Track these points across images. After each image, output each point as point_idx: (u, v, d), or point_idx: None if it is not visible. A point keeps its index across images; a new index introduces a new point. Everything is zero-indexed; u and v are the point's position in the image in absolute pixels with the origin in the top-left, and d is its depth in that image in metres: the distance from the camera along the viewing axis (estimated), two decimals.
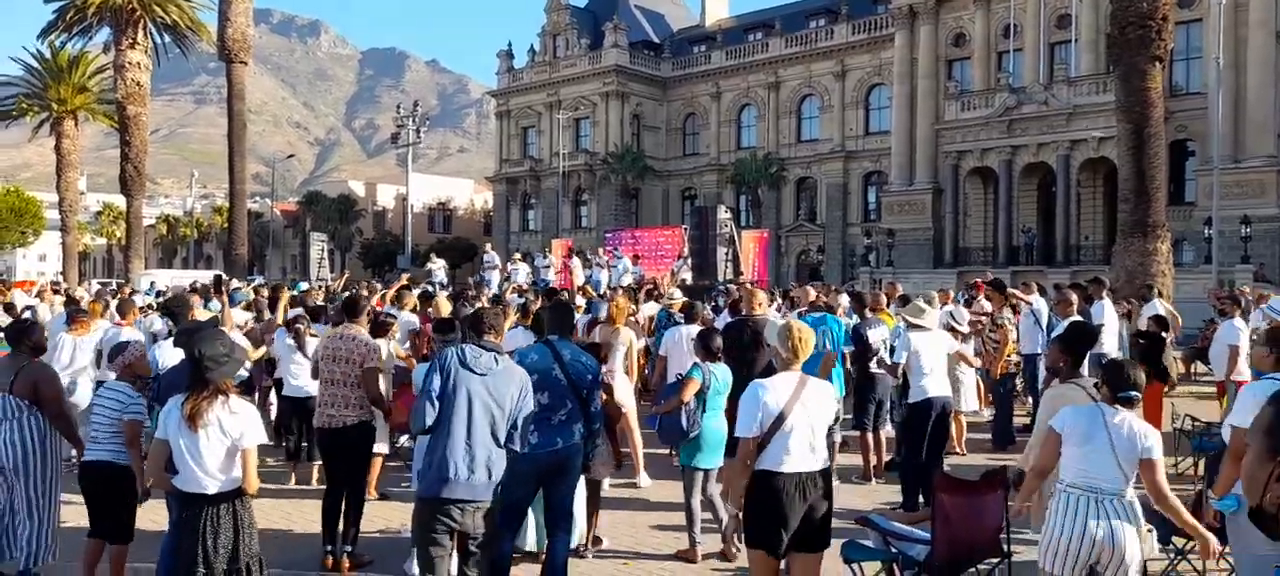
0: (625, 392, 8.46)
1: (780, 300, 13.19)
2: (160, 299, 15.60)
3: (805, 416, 4.33)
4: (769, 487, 4.30)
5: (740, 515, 4.46)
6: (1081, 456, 4.03)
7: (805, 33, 53.81)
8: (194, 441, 4.24)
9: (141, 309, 12.41)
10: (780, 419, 4.28)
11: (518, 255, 29.91)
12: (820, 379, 5.82)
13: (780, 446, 4.29)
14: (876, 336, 8.85)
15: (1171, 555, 5.62)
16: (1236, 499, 4.22)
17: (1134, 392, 4.12)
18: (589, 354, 5.57)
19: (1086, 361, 5.71)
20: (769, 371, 7.65)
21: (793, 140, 53.92)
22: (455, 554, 4.70)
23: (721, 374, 6.31)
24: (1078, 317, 8.69)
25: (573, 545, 5.76)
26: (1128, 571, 4.01)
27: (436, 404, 4.46)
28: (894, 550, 5.00)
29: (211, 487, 4.28)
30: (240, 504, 4.37)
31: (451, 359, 4.55)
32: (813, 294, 10.82)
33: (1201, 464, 7.63)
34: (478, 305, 10.84)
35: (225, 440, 4.28)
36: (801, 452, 4.31)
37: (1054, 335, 7.32)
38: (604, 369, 7.20)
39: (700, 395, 6.12)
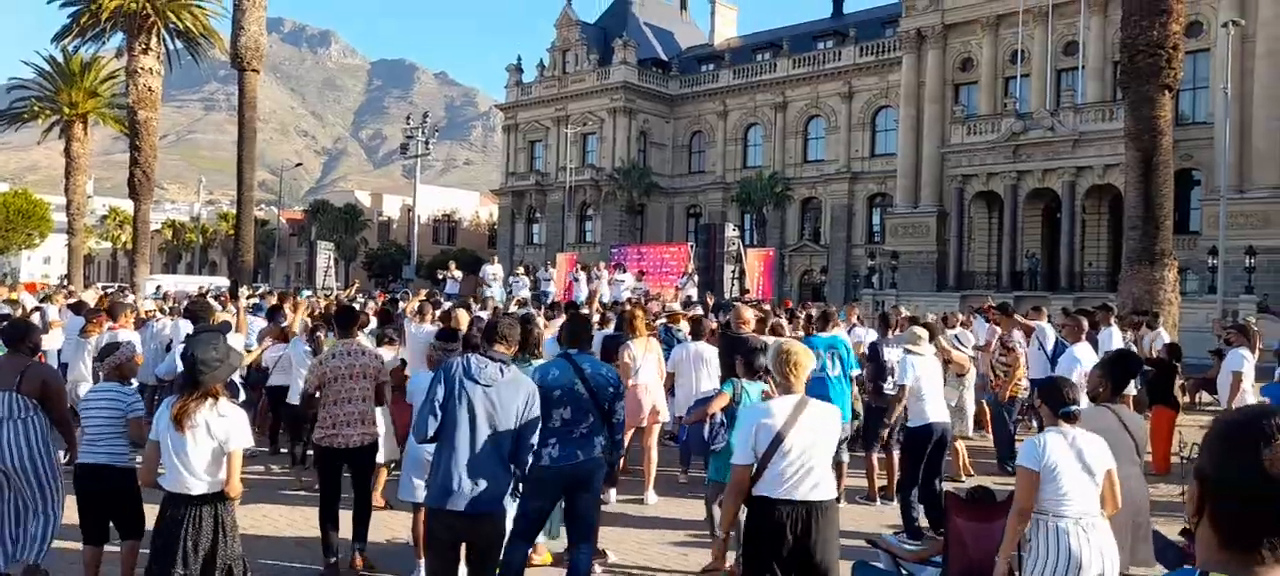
0: (660, 401, 8.48)
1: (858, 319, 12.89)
2: (164, 300, 15.63)
3: (803, 440, 4.18)
4: (764, 515, 4.18)
5: (728, 537, 4.37)
6: (1055, 485, 4.08)
7: (813, 54, 54.06)
8: (181, 442, 4.29)
9: (147, 313, 12.46)
10: (777, 441, 4.15)
11: (521, 268, 29.96)
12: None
13: (776, 472, 4.15)
14: (893, 356, 8.87)
15: None
16: None
17: (1072, 408, 4.23)
18: (609, 366, 5.60)
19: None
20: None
21: (798, 160, 54.07)
22: (464, 563, 4.70)
23: (757, 392, 6.29)
24: (1122, 346, 8.71)
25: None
26: None
27: (439, 414, 4.43)
28: (904, 571, 5.01)
29: (196, 488, 4.31)
30: (222, 506, 4.40)
31: (456, 368, 4.51)
32: (905, 311, 10.80)
33: None
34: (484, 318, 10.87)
35: (212, 442, 4.32)
36: (799, 479, 4.16)
37: (1098, 360, 7.34)
38: (630, 382, 7.25)
39: (729, 410, 6.12)
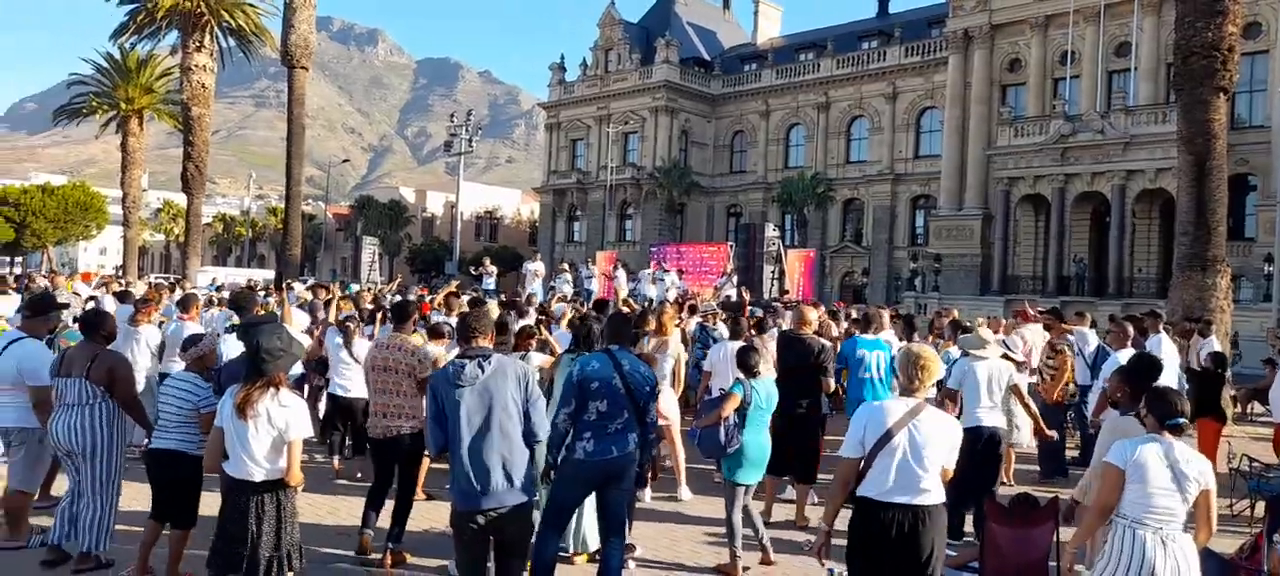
0: (670, 404, 8.49)
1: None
2: (219, 292, 16.01)
3: (912, 442, 4.10)
4: (866, 516, 4.13)
5: (830, 532, 4.27)
6: (1141, 488, 3.98)
7: (857, 54, 53.56)
8: (243, 429, 4.44)
9: (203, 303, 12.77)
10: (886, 438, 4.10)
11: (564, 265, 30.12)
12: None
13: (883, 471, 4.09)
14: None
15: None
16: None
17: (1180, 420, 4.08)
18: (649, 367, 5.65)
19: None
20: (809, 390, 7.65)
21: (841, 161, 53.62)
22: (493, 557, 4.76)
23: (764, 390, 6.32)
24: (1145, 350, 8.52)
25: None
26: None
27: (438, 426, 4.52)
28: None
29: (257, 475, 4.46)
30: (284, 493, 4.56)
31: (438, 380, 4.57)
32: (955, 314, 10.60)
33: (1259, 505, 7.44)
34: (525, 315, 10.98)
35: (273, 431, 4.46)
36: (905, 482, 4.08)
37: (1117, 366, 7.20)
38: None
39: (741, 410, 6.15)
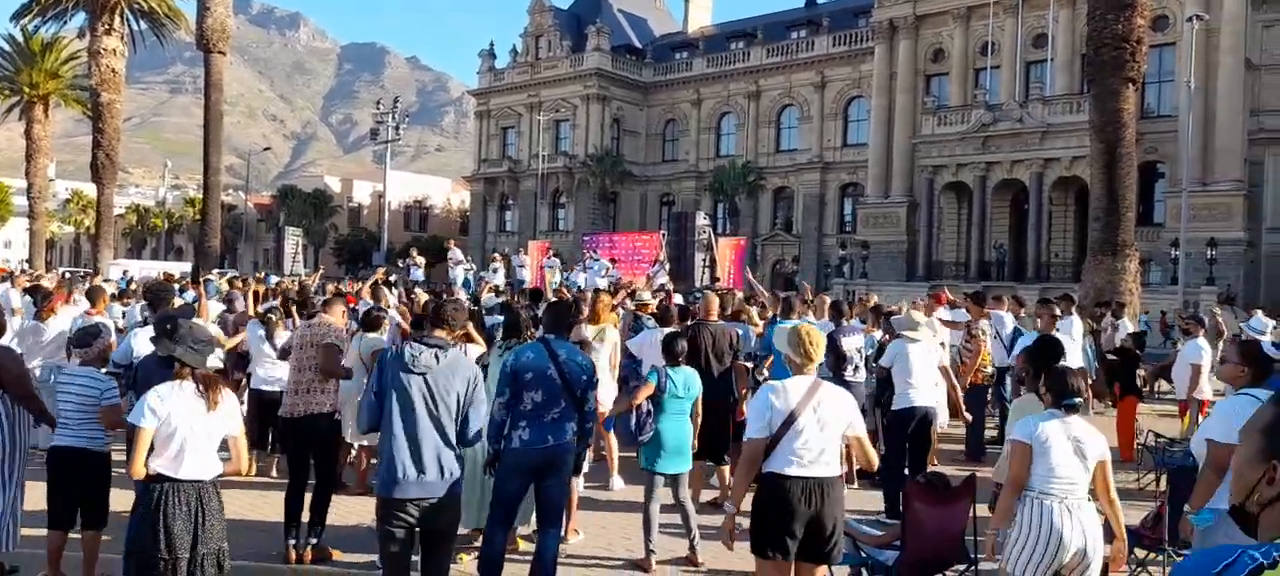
0: (607, 391, 8.48)
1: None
2: (129, 286, 15.37)
3: (816, 420, 4.24)
4: (775, 491, 4.23)
5: (736, 517, 4.33)
6: (1045, 461, 4.14)
7: (786, 43, 54.19)
8: (190, 427, 4.24)
9: (111, 297, 12.26)
10: (790, 420, 4.21)
11: (496, 255, 29.78)
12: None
13: (788, 449, 4.21)
14: (851, 344, 8.93)
15: (1131, 567, 5.74)
16: (1212, 513, 4.29)
17: (1076, 399, 4.24)
18: (587, 356, 5.61)
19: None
20: (721, 377, 7.69)
21: (771, 149, 54.26)
22: (419, 547, 4.68)
23: (683, 378, 6.30)
24: (1083, 334, 8.79)
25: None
26: (1091, 571, 4.12)
27: (377, 404, 4.45)
28: (864, 554, 5.08)
29: (193, 474, 4.27)
30: (213, 489, 4.38)
31: (388, 358, 4.51)
32: (874, 298, 10.76)
33: (1163, 479, 7.78)
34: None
35: (211, 427, 4.30)
36: (810, 457, 4.23)
37: (1023, 347, 7.45)
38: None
39: (655, 398, 6.14)
